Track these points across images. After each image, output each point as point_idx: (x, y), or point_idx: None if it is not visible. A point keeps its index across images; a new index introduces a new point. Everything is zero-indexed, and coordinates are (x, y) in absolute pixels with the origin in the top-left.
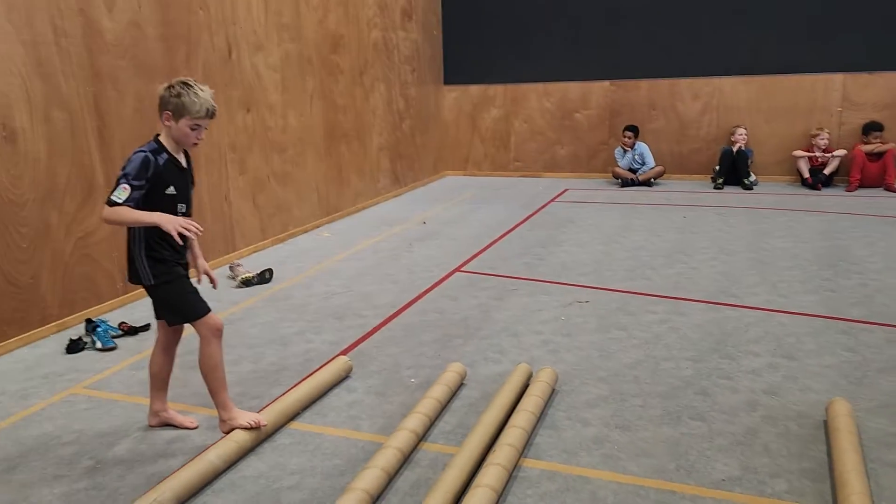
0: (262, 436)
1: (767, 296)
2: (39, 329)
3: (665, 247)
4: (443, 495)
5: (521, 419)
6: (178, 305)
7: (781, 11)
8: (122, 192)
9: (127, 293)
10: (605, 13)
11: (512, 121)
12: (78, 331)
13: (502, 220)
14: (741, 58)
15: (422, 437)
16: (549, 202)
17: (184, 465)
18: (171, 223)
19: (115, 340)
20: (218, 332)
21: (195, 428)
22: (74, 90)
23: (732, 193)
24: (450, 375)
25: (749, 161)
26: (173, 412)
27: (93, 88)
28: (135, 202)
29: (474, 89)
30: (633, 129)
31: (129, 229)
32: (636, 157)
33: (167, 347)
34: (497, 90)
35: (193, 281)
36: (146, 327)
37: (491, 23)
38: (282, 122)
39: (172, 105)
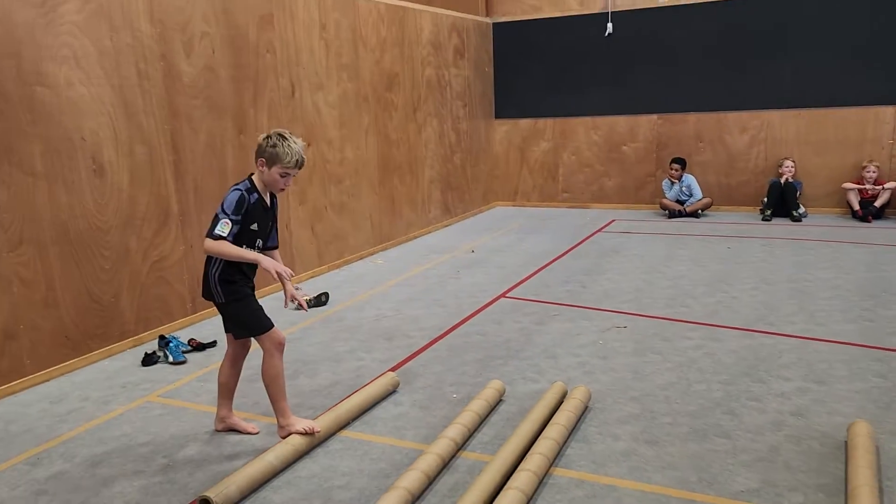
0: (315, 441)
1: (804, 324)
2: (118, 343)
3: (707, 276)
4: (476, 496)
5: (554, 432)
6: (246, 321)
7: (829, 44)
8: (225, 227)
9: (196, 312)
10: (652, 48)
11: (560, 153)
12: (152, 346)
13: (548, 249)
14: (789, 91)
15: (461, 446)
16: (595, 232)
17: (246, 464)
18: (269, 264)
19: (185, 355)
20: (280, 345)
21: (256, 433)
22: (154, 127)
23: (780, 225)
24: (489, 392)
25: (798, 193)
26: (237, 418)
27: (170, 126)
28: (233, 236)
29: (524, 123)
30: (680, 162)
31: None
32: (683, 188)
33: (235, 360)
34: (546, 123)
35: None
36: (213, 344)
37: (540, 59)
38: (339, 155)
39: (267, 154)
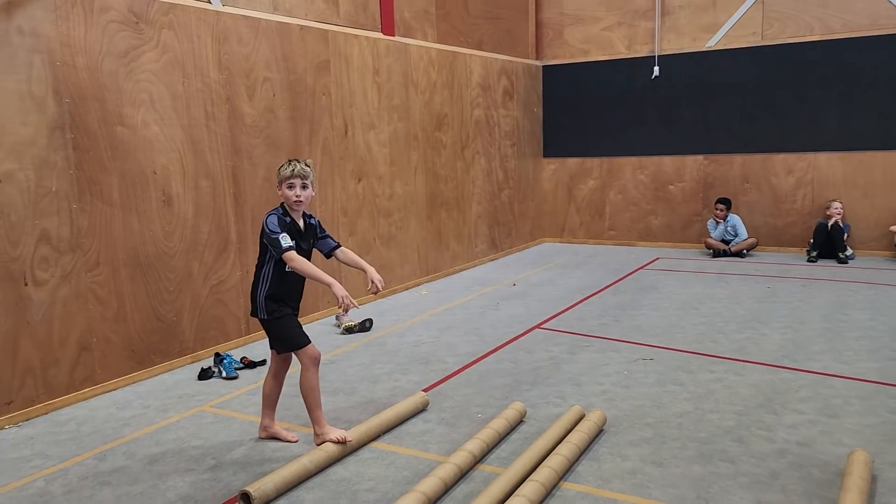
0: (347, 450)
1: (828, 362)
2: (178, 359)
3: (741, 314)
4: (486, 501)
5: (565, 449)
6: (285, 337)
7: (876, 87)
8: (284, 239)
9: (249, 334)
10: (699, 91)
11: (607, 191)
12: (208, 362)
13: (589, 284)
14: (835, 133)
15: (479, 459)
16: (637, 269)
17: (283, 466)
18: (340, 291)
19: (237, 371)
20: (315, 360)
21: (295, 441)
22: (218, 163)
23: (825, 267)
24: (510, 412)
25: (845, 235)
26: (279, 427)
27: (232, 162)
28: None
29: (572, 162)
30: (725, 202)
31: (257, 274)
32: (729, 228)
33: (277, 373)
34: (594, 162)
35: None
36: (262, 362)
37: (589, 100)
38: (389, 190)
39: (277, 178)
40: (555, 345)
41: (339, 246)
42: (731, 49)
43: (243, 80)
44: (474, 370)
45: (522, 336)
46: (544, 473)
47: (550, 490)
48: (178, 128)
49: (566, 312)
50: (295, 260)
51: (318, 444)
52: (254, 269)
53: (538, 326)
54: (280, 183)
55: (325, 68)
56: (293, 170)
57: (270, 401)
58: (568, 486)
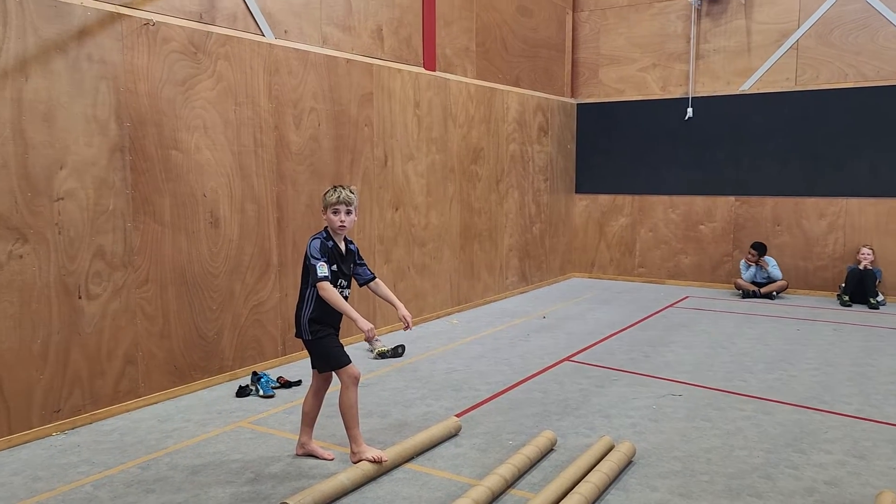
0: (382, 469)
1: (858, 405)
2: (217, 376)
3: (770, 354)
4: None
5: (595, 477)
6: (327, 356)
7: None
8: (323, 268)
9: (286, 355)
10: (731, 133)
11: (638, 229)
12: (245, 380)
13: (618, 319)
14: (867, 179)
15: (510, 484)
16: (666, 307)
17: (321, 482)
18: (364, 325)
19: (274, 390)
20: (355, 379)
21: (331, 459)
22: (264, 188)
23: (856, 312)
24: (541, 439)
25: (877, 280)
26: (316, 445)
27: (277, 188)
28: (332, 273)
29: (604, 198)
30: (759, 248)
31: (301, 296)
32: (760, 272)
33: (317, 392)
34: (625, 200)
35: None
36: (298, 383)
37: (622, 139)
38: (424, 220)
39: (323, 203)
40: (584, 377)
41: (374, 278)
42: (764, 93)
43: (291, 109)
44: (505, 398)
45: (552, 367)
46: (575, 500)
47: None
48: (228, 153)
49: (596, 346)
50: (326, 290)
51: (354, 462)
52: (295, 292)
53: (568, 359)
54: (325, 208)
55: (369, 100)
56: (339, 196)
57: (309, 418)
58: None
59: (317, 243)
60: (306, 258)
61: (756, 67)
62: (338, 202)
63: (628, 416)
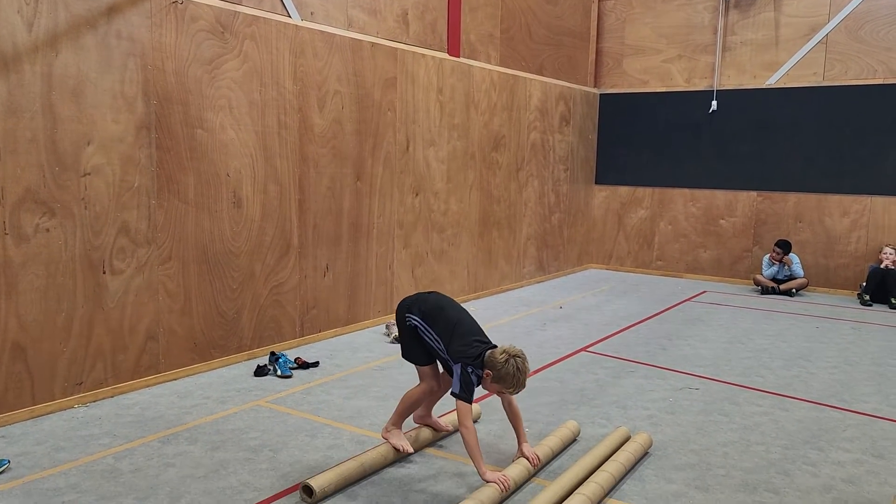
0: (402, 455)
1: (877, 404)
2: (236, 355)
3: (789, 352)
4: None
5: (611, 467)
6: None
7: None
8: (471, 395)
9: (303, 336)
10: (756, 127)
11: (657, 222)
12: (263, 360)
13: (635, 312)
14: (893, 178)
15: (533, 474)
16: (684, 301)
17: (342, 463)
18: (489, 477)
19: (292, 371)
20: (430, 391)
21: (450, 431)
22: (286, 170)
23: (877, 311)
24: (564, 431)
25: None
26: (436, 419)
27: (299, 170)
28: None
29: (623, 190)
30: (784, 246)
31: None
32: (783, 269)
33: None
34: (645, 192)
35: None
36: (316, 364)
37: (644, 130)
38: (444, 206)
39: (496, 370)
40: (601, 368)
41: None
42: (791, 88)
43: (315, 91)
44: None
45: (568, 357)
46: (591, 488)
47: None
48: (252, 134)
49: (612, 338)
50: (468, 417)
51: (383, 436)
52: (315, 273)
53: (584, 349)
54: (497, 379)
55: (392, 85)
56: (519, 383)
57: (430, 401)
58: (613, 502)
59: (475, 379)
60: (459, 371)
61: (783, 61)
62: (515, 387)
63: (644, 407)
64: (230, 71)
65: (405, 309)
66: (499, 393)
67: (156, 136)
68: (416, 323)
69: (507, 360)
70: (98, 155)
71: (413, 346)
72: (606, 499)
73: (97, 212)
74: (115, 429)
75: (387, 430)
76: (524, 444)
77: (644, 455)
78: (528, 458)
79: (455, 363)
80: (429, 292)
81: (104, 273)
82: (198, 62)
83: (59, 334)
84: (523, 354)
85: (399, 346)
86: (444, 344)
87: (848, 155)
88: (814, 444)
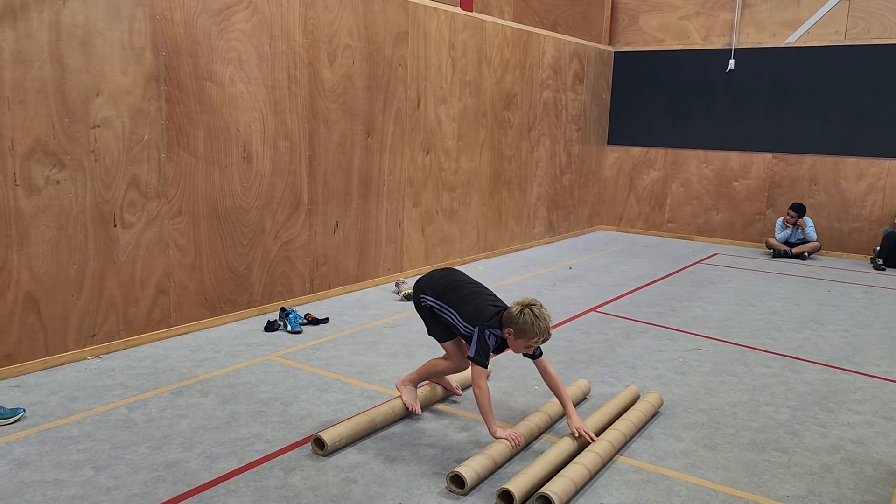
0: (409, 412)
1: (888, 367)
2: (246, 310)
3: (800, 314)
4: (545, 465)
5: (622, 425)
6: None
7: None
8: (487, 360)
9: (313, 292)
10: (773, 87)
11: (669, 183)
12: (273, 315)
13: (645, 273)
14: None
15: (542, 431)
16: (695, 263)
17: (352, 417)
18: (499, 435)
19: (302, 326)
20: (459, 369)
21: (460, 394)
22: (296, 125)
23: (890, 276)
24: (575, 390)
25: None
26: (450, 380)
27: (309, 125)
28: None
29: (636, 151)
30: (799, 210)
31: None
32: (798, 232)
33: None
34: (658, 153)
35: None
36: (325, 320)
37: (659, 90)
38: (454, 165)
39: (517, 327)
40: (610, 328)
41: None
42: (811, 46)
43: (326, 45)
44: None
45: (578, 317)
46: (601, 445)
47: (606, 462)
48: (262, 87)
49: (622, 298)
50: (483, 378)
51: (397, 387)
52: (325, 230)
53: (594, 310)
54: (519, 333)
55: (404, 39)
56: (542, 331)
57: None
58: (623, 459)
59: (494, 340)
60: (474, 332)
61: (804, 19)
62: (538, 335)
63: (654, 367)
64: (240, 23)
65: (419, 291)
66: (527, 352)
67: (165, 89)
68: (430, 303)
69: (521, 311)
70: (107, 107)
71: (433, 324)
72: (616, 456)
73: (107, 164)
74: (127, 380)
75: (403, 382)
76: (573, 418)
77: (654, 414)
78: (582, 434)
79: (473, 327)
80: (441, 269)
81: (115, 226)
82: (207, 13)
83: (71, 287)
84: (538, 302)
85: (409, 302)
86: (458, 315)
87: (868, 116)
88: (823, 405)
